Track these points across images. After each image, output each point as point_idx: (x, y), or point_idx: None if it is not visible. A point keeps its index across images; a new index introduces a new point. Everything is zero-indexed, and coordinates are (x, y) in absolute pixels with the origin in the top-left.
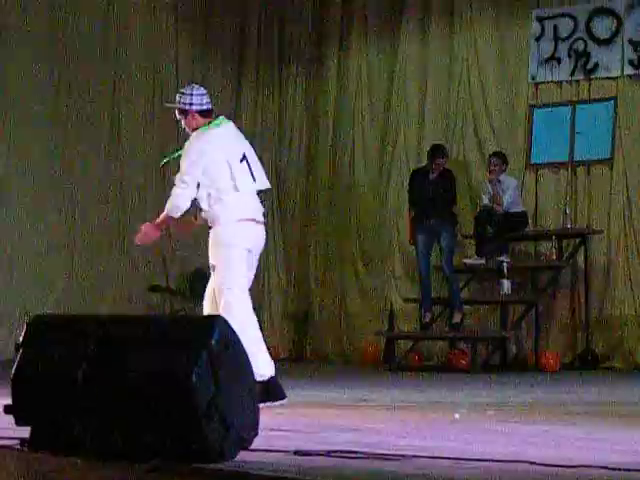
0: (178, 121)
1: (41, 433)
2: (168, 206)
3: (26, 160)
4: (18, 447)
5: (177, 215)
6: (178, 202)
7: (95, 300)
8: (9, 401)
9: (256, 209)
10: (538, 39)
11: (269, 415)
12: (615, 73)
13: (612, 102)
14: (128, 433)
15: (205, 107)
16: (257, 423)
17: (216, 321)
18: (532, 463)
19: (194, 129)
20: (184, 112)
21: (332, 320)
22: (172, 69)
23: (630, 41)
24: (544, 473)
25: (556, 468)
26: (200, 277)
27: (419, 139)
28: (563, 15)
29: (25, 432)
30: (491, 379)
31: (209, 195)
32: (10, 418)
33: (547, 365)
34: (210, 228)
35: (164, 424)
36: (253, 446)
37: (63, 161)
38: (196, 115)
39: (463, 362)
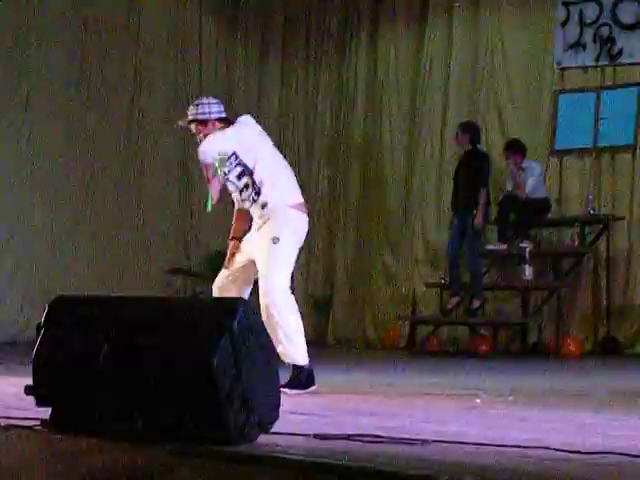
0: (193, 134)
1: (61, 414)
2: None
3: (45, 144)
4: (38, 428)
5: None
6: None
7: (115, 282)
8: (30, 382)
9: None
10: (564, 24)
11: (290, 398)
12: None
13: (637, 88)
14: (148, 415)
15: (223, 115)
16: (278, 406)
17: (239, 304)
18: (552, 449)
19: None
20: (204, 122)
21: (356, 305)
22: (196, 53)
23: None
24: (563, 459)
25: (575, 454)
26: (221, 260)
27: (443, 126)
28: (589, 0)
29: (45, 413)
30: (512, 365)
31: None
32: (31, 399)
33: (568, 352)
34: (264, 207)
35: (185, 406)
36: (273, 429)
37: (83, 145)
38: (216, 123)
39: (484, 347)
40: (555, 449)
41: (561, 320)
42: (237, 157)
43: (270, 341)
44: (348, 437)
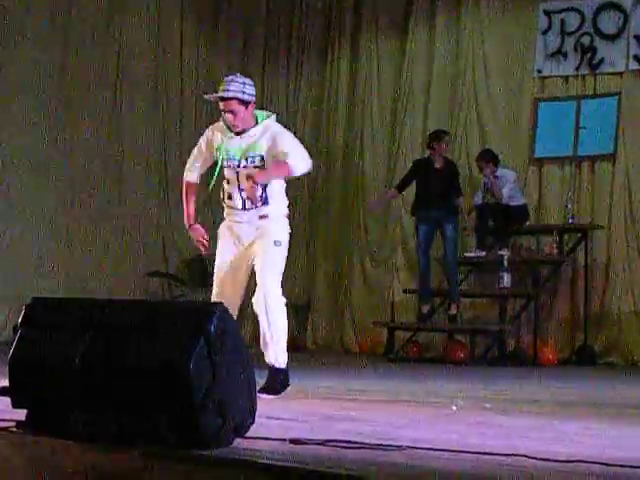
0: (221, 112)
1: (37, 416)
2: (294, 169)
3: (25, 143)
4: (14, 430)
5: (299, 173)
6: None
7: (93, 285)
8: (6, 383)
9: None
10: (545, 33)
11: (266, 403)
12: (620, 68)
13: (617, 97)
14: (124, 418)
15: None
16: (254, 411)
17: (214, 308)
18: (528, 457)
19: (247, 122)
20: (245, 103)
21: (334, 310)
22: (177, 57)
23: (636, 37)
24: (540, 467)
25: (552, 462)
26: (199, 263)
27: (424, 132)
28: (570, 9)
29: (21, 415)
30: (489, 372)
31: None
32: (6, 400)
33: (545, 359)
34: (262, 218)
35: (160, 409)
36: (249, 434)
37: (63, 145)
38: (253, 108)
39: (461, 354)
40: (531, 457)
41: (538, 328)
42: (263, 159)
43: (246, 345)
44: (323, 442)
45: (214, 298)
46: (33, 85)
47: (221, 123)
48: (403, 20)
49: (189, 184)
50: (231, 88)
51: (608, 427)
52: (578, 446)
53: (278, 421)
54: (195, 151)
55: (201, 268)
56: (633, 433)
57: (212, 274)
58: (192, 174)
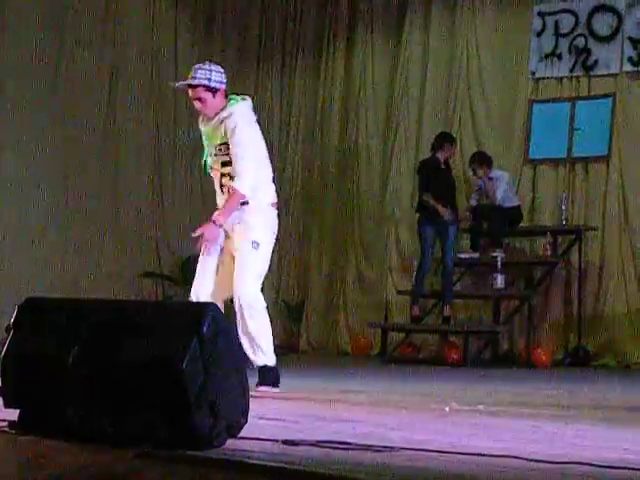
0: (190, 100)
1: (30, 416)
2: (242, 190)
3: (19, 143)
4: (6, 430)
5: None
6: (251, 184)
7: (87, 285)
8: None
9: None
10: (539, 34)
11: (259, 404)
12: (614, 70)
13: (611, 99)
14: (116, 418)
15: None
16: (247, 411)
17: (208, 308)
18: (520, 458)
19: (217, 110)
20: (212, 90)
21: (328, 311)
22: (172, 54)
23: (630, 38)
24: (531, 468)
25: (543, 464)
26: (193, 264)
27: (418, 133)
28: (564, 11)
29: (14, 415)
30: (482, 373)
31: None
32: None
33: (538, 361)
34: (243, 204)
35: (153, 410)
36: (242, 434)
37: (57, 144)
38: (223, 95)
39: (455, 356)
40: (523, 458)
41: (532, 329)
42: (228, 147)
43: (239, 345)
44: (316, 443)
45: (193, 291)
46: (26, 83)
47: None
48: (398, 22)
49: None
50: (197, 75)
51: (601, 429)
52: (571, 448)
53: (270, 422)
54: None
55: (194, 269)
56: (626, 435)
57: None
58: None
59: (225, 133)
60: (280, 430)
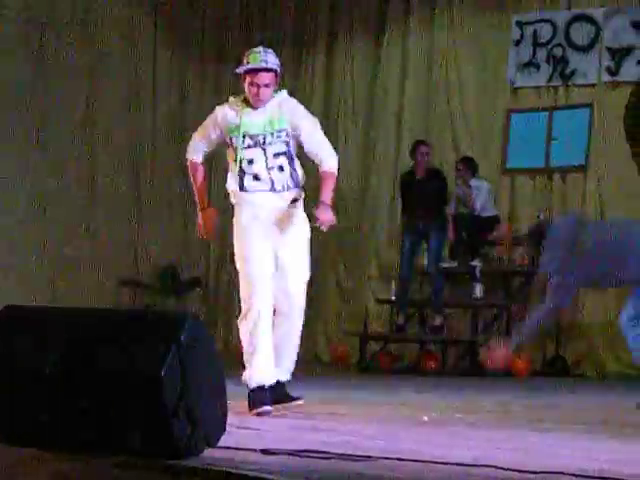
0: (248, 86)
1: (6, 425)
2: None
3: None
4: None
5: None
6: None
7: (65, 293)
8: None
9: None
10: (517, 44)
11: (238, 414)
12: (592, 80)
13: (589, 109)
14: (94, 427)
15: None
16: (225, 421)
17: (186, 317)
18: (498, 468)
19: (270, 98)
20: (278, 76)
21: (307, 320)
22: (150, 67)
23: (608, 48)
24: (510, 478)
25: (521, 473)
26: (171, 272)
27: (397, 143)
28: (543, 21)
29: None
30: (460, 382)
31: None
32: None
33: (517, 370)
34: (293, 202)
35: (131, 419)
36: (221, 444)
37: (34, 150)
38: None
39: (433, 365)
40: (501, 468)
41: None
42: (288, 135)
43: (217, 355)
44: (294, 452)
45: (259, 303)
46: (5, 96)
47: (233, 99)
48: (378, 29)
49: (194, 164)
50: (270, 59)
51: (579, 439)
52: (549, 457)
53: (248, 431)
54: (201, 131)
55: (172, 277)
56: (604, 445)
57: (184, 283)
58: (197, 154)
59: (290, 115)
60: (258, 439)
